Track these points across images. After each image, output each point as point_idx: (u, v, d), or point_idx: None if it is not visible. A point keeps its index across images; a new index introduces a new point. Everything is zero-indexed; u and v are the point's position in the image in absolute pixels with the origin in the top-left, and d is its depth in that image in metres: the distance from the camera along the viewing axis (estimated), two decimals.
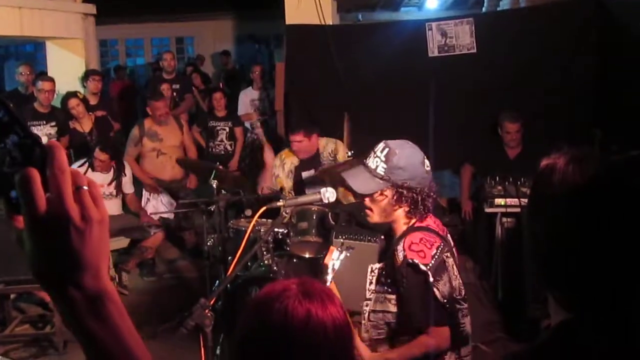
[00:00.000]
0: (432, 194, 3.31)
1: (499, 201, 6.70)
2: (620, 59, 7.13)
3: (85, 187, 1.03)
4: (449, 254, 3.31)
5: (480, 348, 5.87)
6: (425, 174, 3.29)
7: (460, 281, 3.39)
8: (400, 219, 3.36)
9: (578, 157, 1.47)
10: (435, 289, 3.18)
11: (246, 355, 1.75)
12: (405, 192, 3.25)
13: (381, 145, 3.33)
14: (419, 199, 3.26)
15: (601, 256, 1.40)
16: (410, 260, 3.18)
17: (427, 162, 3.32)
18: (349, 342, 1.79)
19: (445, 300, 3.21)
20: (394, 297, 3.32)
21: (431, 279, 3.17)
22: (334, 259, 3.60)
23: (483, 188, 7.06)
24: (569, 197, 1.44)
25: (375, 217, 3.41)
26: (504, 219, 6.74)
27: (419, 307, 3.20)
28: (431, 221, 3.38)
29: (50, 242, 1.00)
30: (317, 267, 5.69)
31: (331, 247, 3.80)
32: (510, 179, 6.72)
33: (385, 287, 3.36)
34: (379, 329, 3.39)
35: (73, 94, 9.06)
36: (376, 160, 3.29)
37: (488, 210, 6.83)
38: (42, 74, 9.64)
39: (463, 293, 3.39)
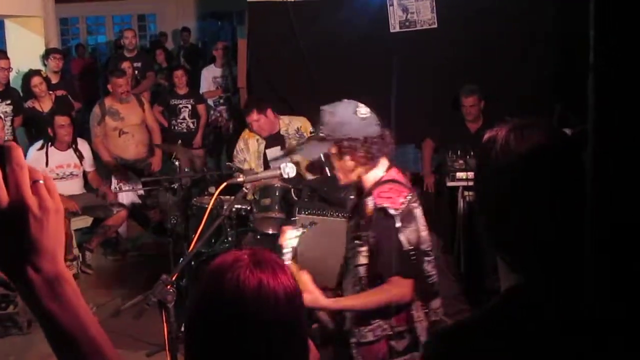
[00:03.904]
0: (376, 139, 3.37)
1: (461, 175, 6.75)
2: (580, 34, 7.20)
3: (41, 181, 1.12)
4: (416, 205, 3.38)
5: (443, 320, 5.94)
6: (361, 121, 3.34)
7: (428, 234, 3.46)
8: (365, 174, 3.43)
9: (519, 125, 1.52)
10: (401, 235, 3.24)
11: (199, 325, 1.78)
12: (345, 143, 3.33)
13: (322, 109, 3.44)
14: (359, 145, 3.33)
15: (543, 219, 1.45)
16: (380, 206, 3.27)
17: (361, 110, 3.37)
18: (300, 310, 1.82)
19: (411, 248, 3.27)
20: (364, 249, 3.38)
21: (398, 224, 3.23)
22: (289, 237, 3.65)
23: (445, 162, 7.12)
24: (512, 164, 1.48)
25: (342, 177, 3.51)
26: (466, 193, 6.79)
27: (385, 254, 3.26)
28: (398, 175, 3.46)
29: (12, 231, 1.09)
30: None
31: (284, 227, 3.85)
32: (472, 153, 6.77)
33: (356, 241, 3.42)
34: (356, 285, 3.45)
35: (36, 72, 8.97)
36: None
37: (450, 184, 6.89)
38: None
39: (431, 245, 3.47)
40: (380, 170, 3.44)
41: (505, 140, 1.50)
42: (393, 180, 3.39)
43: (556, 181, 1.46)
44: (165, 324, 3.27)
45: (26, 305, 1.16)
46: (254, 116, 6.45)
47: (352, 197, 3.72)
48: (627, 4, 1.08)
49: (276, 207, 5.71)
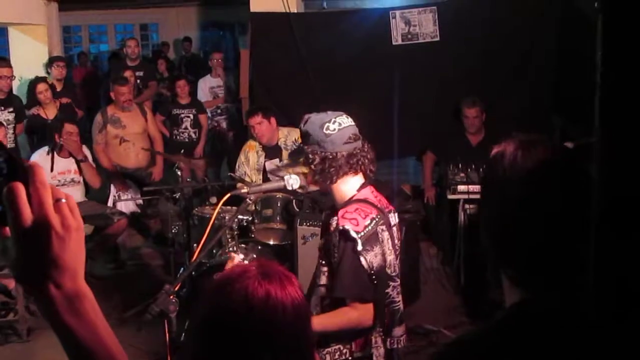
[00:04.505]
0: (338, 158, 3.29)
1: (462, 188, 6.75)
2: (579, 47, 7.22)
3: (64, 200, 1.16)
4: (384, 227, 3.29)
5: (444, 333, 5.95)
6: (325, 137, 3.28)
7: (396, 259, 3.38)
8: (335, 189, 3.38)
9: (526, 142, 1.54)
10: (362, 258, 3.16)
11: (206, 336, 1.79)
12: (309, 155, 3.33)
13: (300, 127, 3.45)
14: (318, 160, 3.30)
15: (551, 234, 1.46)
16: (341, 227, 3.18)
17: (330, 125, 3.30)
18: (307, 322, 1.84)
19: (372, 272, 3.19)
20: (326, 269, 3.35)
21: (359, 247, 3.15)
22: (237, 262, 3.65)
23: (446, 175, 7.12)
24: (519, 180, 1.50)
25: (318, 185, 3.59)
26: (467, 205, 6.80)
27: (344, 276, 3.19)
28: (371, 195, 3.38)
29: (35, 248, 1.11)
30: (282, 254, 5.73)
31: (232, 254, 3.83)
32: (473, 166, 6.79)
33: (321, 260, 3.39)
34: (317, 306, 3.39)
35: (42, 79, 9.01)
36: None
37: (451, 196, 6.89)
38: (0, 60, 9.53)
39: (397, 270, 3.39)
40: (351, 187, 3.36)
41: (513, 156, 1.51)
42: (363, 200, 3.32)
43: (563, 197, 1.48)
44: (167, 334, 3.26)
45: (46, 320, 1.18)
46: (258, 119, 6.46)
47: (327, 212, 3.64)
48: (635, 24, 1.09)
49: (278, 218, 5.72)
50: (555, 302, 1.48)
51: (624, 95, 1.12)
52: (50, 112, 8.86)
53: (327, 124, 3.29)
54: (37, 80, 8.94)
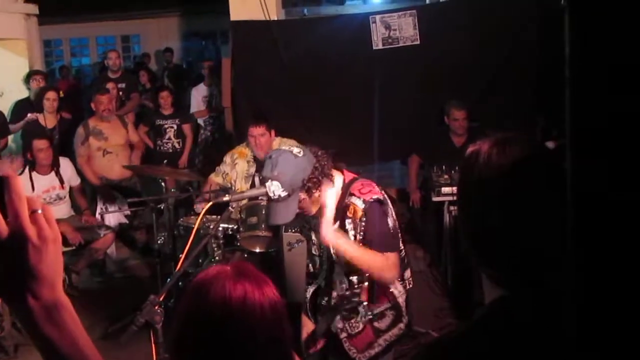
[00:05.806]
0: (323, 162, 3.55)
1: (446, 190, 6.77)
2: (561, 47, 7.24)
3: (40, 211, 1.15)
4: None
5: (432, 335, 5.94)
6: (303, 157, 3.50)
7: None
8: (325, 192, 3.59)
9: (501, 140, 1.54)
10: (389, 218, 3.62)
11: (186, 338, 1.80)
12: (308, 184, 3.50)
13: (265, 177, 3.51)
14: (318, 174, 3.51)
15: (527, 232, 1.46)
16: (372, 198, 3.54)
17: (294, 150, 3.54)
18: (284, 321, 1.85)
19: (395, 228, 3.65)
20: (356, 241, 3.57)
21: (386, 208, 3.61)
22: None
23: (430, 177, 7.14)
24: (494, 178, 1.50)
25: (312, 210, 3.66)
26: (452, 207, 6.81)
27: (382, 236, 3.54)
28: (352, 174, 3.76)
29: (11, 259, 1.11)
30: (268, 262, 5.72)
31: None
32: (457, 168, 6.79)
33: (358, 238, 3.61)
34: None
35: (53, 88, 9.17)
36: (273, 189, 3.44)
37: (435, 199, 6.90)
38: None
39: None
40: (338, 178, 3.66)
41: (488, 155, 1.52)
42: (356, 178, 3.69)
43: (538, 195, 1.48)
44: (153, 345, 3.25)
45: (25, 331, 1.18)
46: (261, 129, 6.36)
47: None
48: (601, 19, 1.10)
49: (263, 226, 5.70)
50: (532, 299, 1.48)
51: (592, 90, 1.12)
52: (49, 122, 8.86)
53: (292, 152, 3.52)
54: (48, 88, 9.01)
